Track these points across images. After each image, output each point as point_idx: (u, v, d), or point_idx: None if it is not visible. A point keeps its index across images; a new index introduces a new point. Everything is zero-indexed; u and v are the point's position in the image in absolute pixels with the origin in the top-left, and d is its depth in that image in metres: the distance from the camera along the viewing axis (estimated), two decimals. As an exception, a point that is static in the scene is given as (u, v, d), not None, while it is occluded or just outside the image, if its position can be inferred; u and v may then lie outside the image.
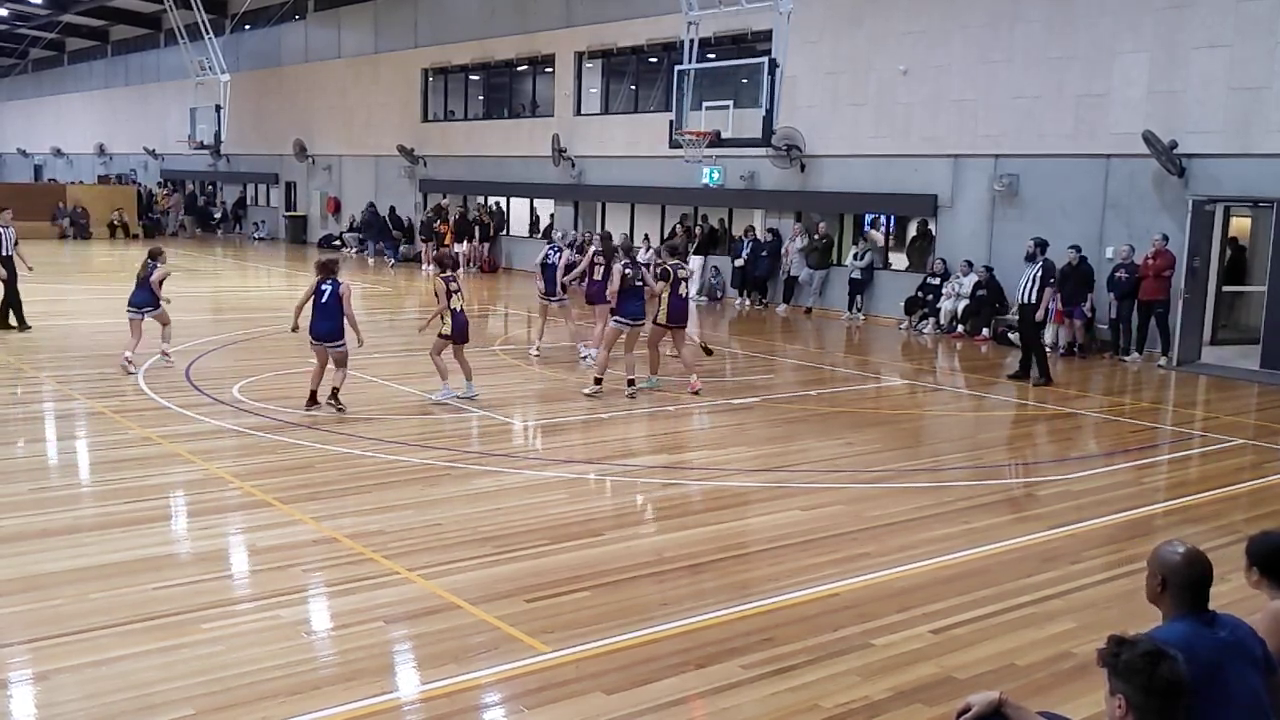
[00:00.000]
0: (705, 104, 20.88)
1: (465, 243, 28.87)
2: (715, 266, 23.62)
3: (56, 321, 17.23)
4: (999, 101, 18.61)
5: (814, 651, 5.60)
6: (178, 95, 40.28)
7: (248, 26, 38.72)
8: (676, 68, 21.41)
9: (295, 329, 11.44)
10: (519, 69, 30.04)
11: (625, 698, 5.02)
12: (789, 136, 21.19)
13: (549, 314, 15.34)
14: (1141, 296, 16.18)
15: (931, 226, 20.29)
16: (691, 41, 21.13)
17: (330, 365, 10.97)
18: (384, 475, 8.79)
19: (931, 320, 19.14)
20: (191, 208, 42.63)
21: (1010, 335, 17.52)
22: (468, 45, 30.10)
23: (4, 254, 15.98)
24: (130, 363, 12.90)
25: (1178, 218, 16.10)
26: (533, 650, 5.50)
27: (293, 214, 38.34)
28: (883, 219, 22.69)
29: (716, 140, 20.60)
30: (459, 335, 11.67)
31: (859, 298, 20.94)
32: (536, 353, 14.97)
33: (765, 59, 19.64)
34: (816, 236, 21.94)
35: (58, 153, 53.53)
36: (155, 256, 13.67)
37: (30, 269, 16.68)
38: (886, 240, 22.24)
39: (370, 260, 31.58)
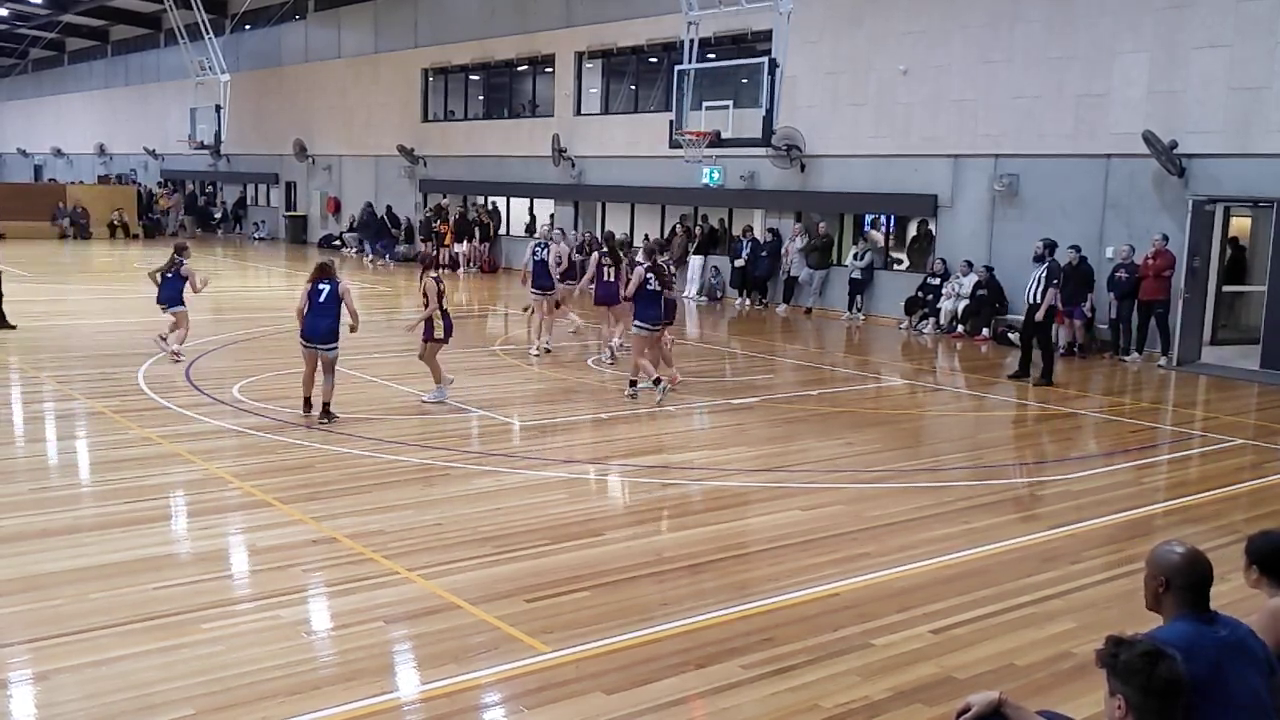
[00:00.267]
0: (705, 104, 20.88)
1: (465, 243, 28.89)
2: (715, 266, 23.62)
3: (57, 321, 17.22)
4: (999, 101, 18.61)
5: (814, 651, 5.60)
6: (178, 95, 40.28)
7: (248, 26, 38.73)
8: (676, 68, 21.41)
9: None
10: (519, 69, 30.04)
11: (625, 698, 5.02)
12: (789, 136, 21.20)
13: (544, 310, 15.37)
14: (1141, 296, 16.18)
15: (931, 226, 20.29)
16: (691, 41, 21.12)
17: (319, 372, 10.57)
18: (384, 475, 8.79)
19: (931, 320, 19.14)
20: (191, 208, 42.63)
21: (1010, 335, 17.53)
22: (468, 45, 30.11)
23: None
24: (177, 353, 13.53)
25: (1178, 218, 16.10)
26: (533, 650, 5.50)
27: (293, 214, 38.35)
28: (883, 219, 22.68)
29: (716, 140, 20.59)
30: (449, 336, 11.64)
31: (859, 298, 20.94)
32: (537, 353, 14.96)
33: (765, 59, 19.64)
34: (817, 236, 21.94)
35: (58, 153, 53.54)
36: (180, 252, 13.92)
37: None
38: (887, 240, 22.24)
39: (368, 261, 31.55)
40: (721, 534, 7.57)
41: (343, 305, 10.56)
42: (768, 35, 20.31)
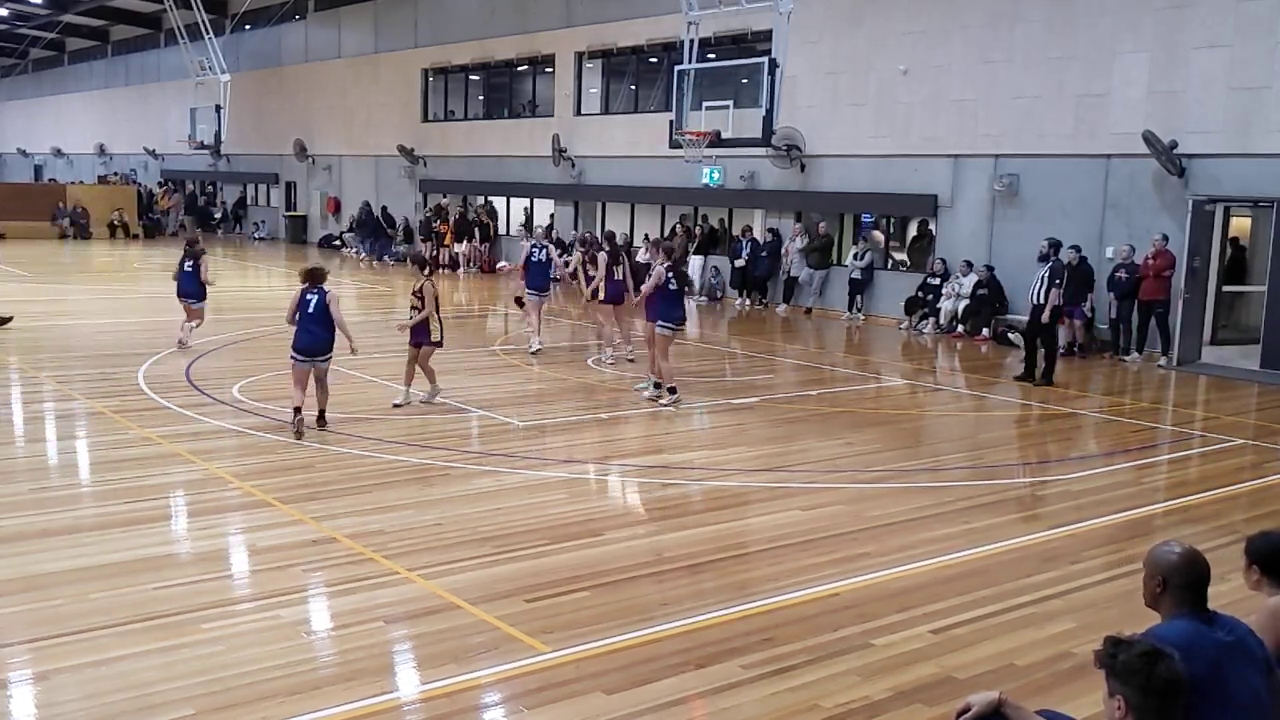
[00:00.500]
0: (705, 104, 20.88)
1: (465, 243, 28.88)
2: (715, 266, 23.62)
3: (57, 321, 17.23)
4: (999, 101, 18.61)
5: (814, 651, 5.60)
6: (178, 95, 40.28)
7: (248, 26, 38.73)
8: (676, 68, 21.40)
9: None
10: (519, 69, 30.04)
11: (625, 698, 5.02)
12: (789, 136, 21.19)
13: (540, 310, 15.47)
14: (1141, 296, 16.18)
15: (931, 226, 20.29)
16: (691, 41, 21.12)
17: (311, 385, 10.14)
18: (384, 475, 8.79)
19: (931, 320, 19.14)
20: (191, 208, 42.61)
21: (1010, 335, 17.54)
22: (468, 45, 30.10)
23: None
24: (183, 341, 14.37)
25: (1178, 218, 16.10)
26: (533, 650, 5.50)
27: (293, 214, 38.34)
28: (882, 220, 22.67)
29: (716, 140, 20.59)
30: (443, 340, 11.57)
31: (859, 298, 20.94)
32: (535, 349, 15.05)
33: (765, 59, 19.64)
34: (817, 236, 21.93)
35: (58, 153, 53.54)
36: (194, 244, 14.95)
37: None
38: (887, 240, 22.24)
39: (362, 260, 31.55)
40: (721, 534, 7.57)
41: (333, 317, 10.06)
42: (768, 35, 20.31)
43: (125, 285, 24.42)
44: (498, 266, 16.94)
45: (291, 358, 10.06)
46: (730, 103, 20.66)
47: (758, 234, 22.81)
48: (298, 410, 10.01)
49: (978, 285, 18.48)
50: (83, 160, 51.11)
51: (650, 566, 6.85)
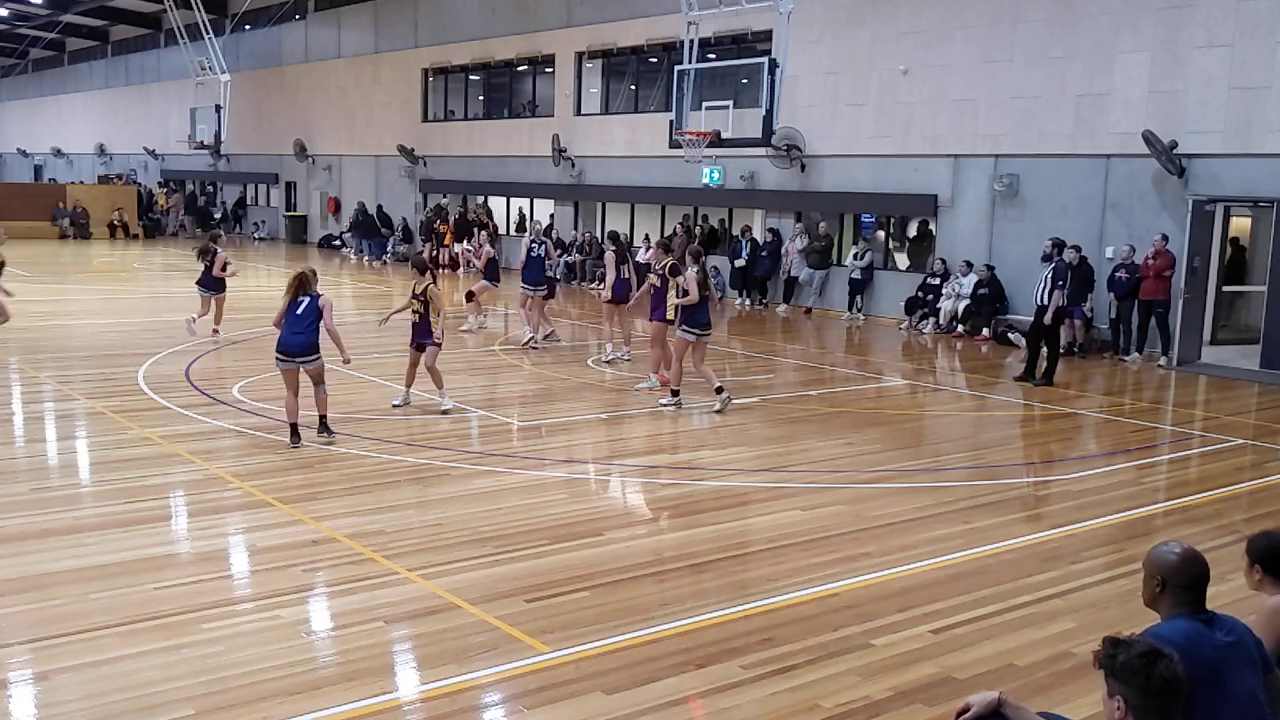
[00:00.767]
0: (705, 104, 20.89)
1: (465, 243, 28.83)
2: (715, 267, 23.57)
3: (57, 321, 17.23)
4: (999, 101, 18.61)
5: (814, 651, 5.60)
6: (178, 95, 40.30)
7: (248, 26, 38.74)
8: (676, 68, 21.42)
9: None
10: (519, 69, 30.04)
11: (625, 698, 5.02)
12: (789, 136, 21.20)
13: (538, 306, 15.59)
14: (1142, 296, 16.19)
15: (932, 226, 20.29)
16: (691, 41, 21.13)
17: (305, 386, 9.67)
18: (384, 475, 8.79)
19: (931, 320, 19.14)
20: (191, 208, 42.62)
21: (1010, 335, 17.54)
22: (468, 45, 30.11)
23: None
24: (192, 325, 15.15)
25: (1178, 218, 16.10)
26: (533, 650, 5.51)
27: (293, 214, 38.35)
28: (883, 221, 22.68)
29: (716, 140, 20.60)
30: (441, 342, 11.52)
31: (859, 298, 20.94)
32: (536, 346, 15.11)
33: (765, 59, 19.66)
34: (817, 236, 21.93)
35: (58, 153, 53.55)
36: (214, 240, 16.21)
37: None
38: (887, 240, 22.24)
39: (355, 258, 31.53)
40: (721, 534, 7.56)
41: (321, 321, 9.57)
42: (768, 35, 20.33)
43: (125, 285, 24.43)
44: (459, 251, 17.52)
45: (276, 359, 9.61)
46: (730, 103, 20.68)
47: (758, 234, 22.82)
48: (294, 428, 9.55)
49: (978, 285, 18.48)
50: (83, 160, 51.12)
51: (650, 566, 6.86)
